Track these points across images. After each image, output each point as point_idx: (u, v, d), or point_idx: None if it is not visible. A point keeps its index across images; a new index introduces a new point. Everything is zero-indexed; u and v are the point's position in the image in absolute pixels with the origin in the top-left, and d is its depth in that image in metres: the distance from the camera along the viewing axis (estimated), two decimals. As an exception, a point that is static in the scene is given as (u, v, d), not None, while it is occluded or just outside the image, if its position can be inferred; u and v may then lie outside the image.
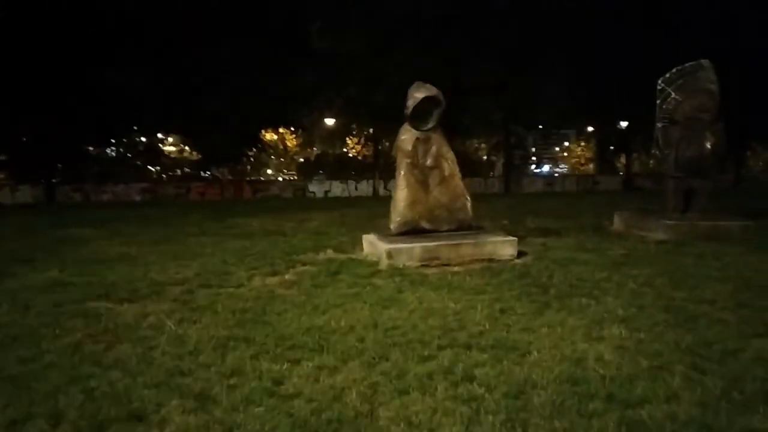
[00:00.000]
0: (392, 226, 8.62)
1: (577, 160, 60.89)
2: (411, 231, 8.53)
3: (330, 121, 36.13)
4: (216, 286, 6.71)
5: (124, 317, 5.37)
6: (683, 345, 4.40)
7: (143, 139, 32.22)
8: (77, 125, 24.88)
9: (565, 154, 71.55)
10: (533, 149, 75.51)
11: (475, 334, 4.81)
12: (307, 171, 40.09)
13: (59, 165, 27.67)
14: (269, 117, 28.21)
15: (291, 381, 3.75)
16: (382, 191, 29.32)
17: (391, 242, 8.22)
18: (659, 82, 11.02)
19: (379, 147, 31.03)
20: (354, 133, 36.51)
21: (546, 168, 76.20)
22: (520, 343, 4.52)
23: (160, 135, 34.39)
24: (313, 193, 29.49)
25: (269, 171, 47.07)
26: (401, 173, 8.60)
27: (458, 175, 8.85)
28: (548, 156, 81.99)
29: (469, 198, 8.93)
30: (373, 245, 8.57)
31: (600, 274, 7.09)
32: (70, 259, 8.60)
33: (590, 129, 42.02)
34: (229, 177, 31.41)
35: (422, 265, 7.82)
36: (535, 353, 4.28)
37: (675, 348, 4.34)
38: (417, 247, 8.01)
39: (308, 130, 37.54)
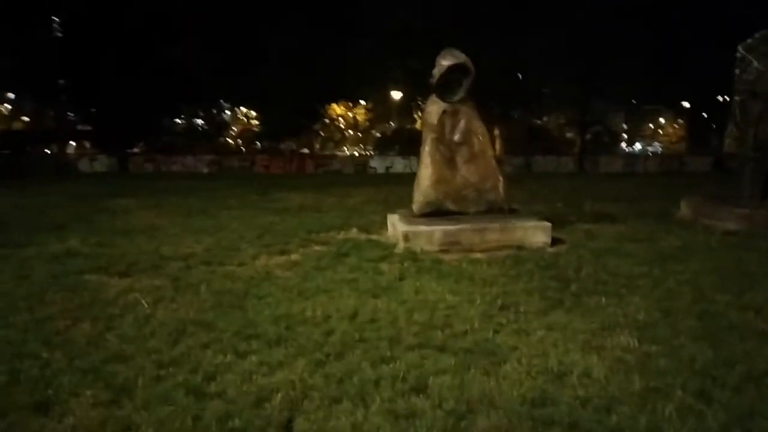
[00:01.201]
0: (414, 207, 8.09)
1: (669, 138, 56.46)
2: (435, 212, 7.96)
3: (396, 95, 35.54)
4: (217, 263, 6.54)
5: (107, 292, 5.30)
6: (698, 363, 3.63)
7: (214, 111, 33.16)
8: (148, 98, 25.95)
9: (660, 131, 66.32)
10: (624, 126, 70.71)
11: (457, 333, 4.27)
12: (383, 146, 39.63)
13: (131, 136, 28.97)
14: (327, 90, 28.05)
15: (224, 377, 3.42)
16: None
17: (410, 224, 7.71)
18: (739, 48, 9.57)
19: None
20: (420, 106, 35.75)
21: (638, 146, 71.33)
22: (502, 348, 3.94)
23: (227, 110, 35.36)
24: (374, 168, 29.12)
25: (345, 146, 47.31)
26: (426, 149, 8.01)
27: (490, 152, 8.14)
28: (641, 134, 76.49)
29: (501, 178, 8.19)
30: (394, 226, 8.09)
31: (638, 269, 6.23)
32: (98, 228, 8.81)
33: (686, 104, 38.50)
34: (293, 150, 31.70)
35: (441, 250, 7.26)
36: (514, 362, 3.69)
37: (686, 367, 3.59)
38: (437, 230, 7.44)
39: (374, 105, 37.16)
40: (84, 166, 28.41)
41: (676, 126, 51.93)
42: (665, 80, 27.69)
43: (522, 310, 4.85)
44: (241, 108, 36.59)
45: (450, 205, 8.02)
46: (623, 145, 63.83)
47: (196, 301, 5.03)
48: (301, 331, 4.25)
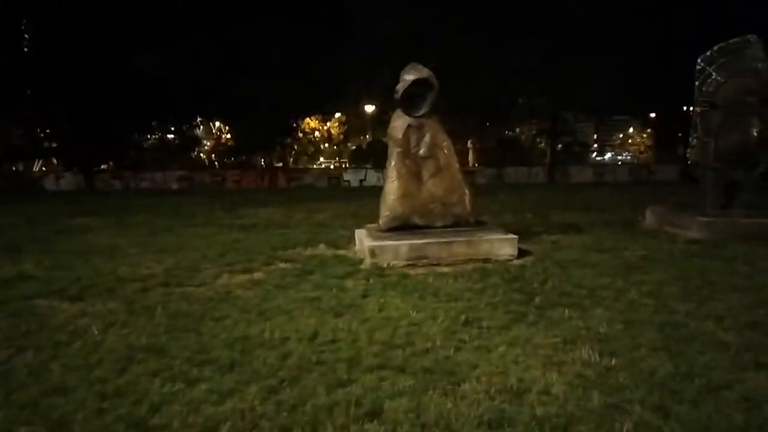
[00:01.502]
0: (381, 222, 8.01)
1: (637, 147, 57.79)
2: (402, 227, 7.88)
3: (369, 108, 35.62)
4: (175, 284, 6.34)
5: (56, 318, 5.06)
6: (658, 376, 3.61)
7: (185, 126, 32.69)
8: (113, 112, 25.50)
9: (629, 141, 67.67)
10: (595, 136, 72.01)
11: (418, 352, 4.17)
12: (358, 159, 39.40)
13: (99, 153, 28.38)
14: (303, 104, 27.99)
15: (169, 408, 3.25)
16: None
17: (376, 239, 7.62)
18: (699, 61, 9.80)
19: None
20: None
21: (608, 156, 72.72)
22: (463, 367, 3.85)
23: (199, 125, 34.94)
24: (348, 182, 29.07)
25: (321, 159, 46.99)
26: (392, 163, 7.95)
27: (455, 165, 8.10)
28: (611, 144, 78.02)
29: (467, 191, 8.17)
30: (361, 242, 7.99)
31: (602, 280, 6.25)
32: (55, 250, 8.50)
33: (652, 115, 39.37)
34: (265, 164, 31.35)
35: (408, 265, 7.20)
36: (473, 381, 3.61)
37: (645, 380, 3.56)
38: (403, 244, 7.37)
39: (348, 118, 37.17)
40: (49, 184, 27.74)
41: (644, 136, 53.17)
42: (633, 91, 28.28)
43: (485, 325, 4.78)
44: (214, 123, 36.22)
45: (417, 219, 7.97)
46: (593, 155, 65.06)
47: (150, 325, 4.84)
48: (257, 354, 4.10)
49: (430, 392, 3.45)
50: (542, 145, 39.94)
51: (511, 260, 7.41)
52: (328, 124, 43.63)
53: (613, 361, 3.90)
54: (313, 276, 6.66)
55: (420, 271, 6.97)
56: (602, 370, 3.78)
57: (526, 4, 25.59)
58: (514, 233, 9.26)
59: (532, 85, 28.35)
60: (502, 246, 7.59)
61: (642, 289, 5.81)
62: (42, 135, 30.63)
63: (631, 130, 65.00)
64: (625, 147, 66.25)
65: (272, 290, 6.01)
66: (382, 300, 5.57)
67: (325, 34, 26.28)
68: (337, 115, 41.02)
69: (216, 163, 35.47)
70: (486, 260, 7.38)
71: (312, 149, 39.05)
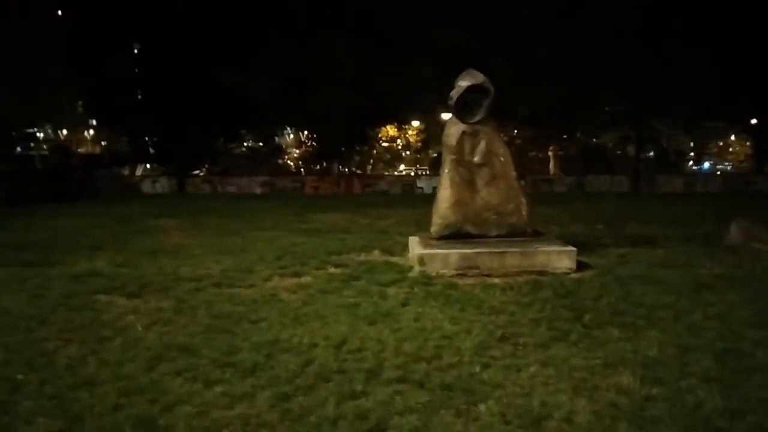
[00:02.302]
0: (433, 229, 7.86)
1: (736, 156, 53.24)
2: (454, 235, 7.69)
3: (446, 116, 35.40)
4: (227, 285, 6.56)
5: (109, 314, 5.38)
6: (703, 411, 3.23)
7: (273, 135, 34.18)
8: (202, 122, 27.20)
9: (729, 149, 62.44)
10: (692, 144, 67.28)
11: (443, 366, 4.02)
12: (436, 166, 39.18)
13: (190, 159, 30.23)
14: (375, 114, 28.37)
15: (180, 410, 3.33)
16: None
17: (426, 247, 7.50)
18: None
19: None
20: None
21: (706, 165, 67.67)
22: (486, 385, 3.66)
23: (285, 133, 36.41)
24: (422, 188, 28.94)
25: (402, 166, 47.40)
26: (445, 171, 7.79)
27: (512, 174, 7.80)
28: (708, 152, 72.48)
29: (525, 200, 7.83)
30: (412, 249, 7.90)
31: (665, 299, 5.75)
32: (130, 249, 9.09)
33: (754, 121, 36.13)
34: (341, 171, 32.02)
35: (458, 275, 7.02)
36: (492, 402, 3.41)
37: (687, 415, 3.20)
38: (453, 253, 7.19)
39: (427, 126, 37.11)
40: (146, 187, 29.89)
41: (746, 144, 48.83)
42: (727, 94, 26.08)
43: (522, 342, 4.54)
44: (302, 132, 37.62)
45: (470, 228, 7.74)
46: (690, 164, 60.64)
47: (191, 324, 5.03)
48: (281, 359, 4.13)
49: (443, 411, 3.30)
50: (629, 153, 37.84)
51: (569, 274, 7.02)
52: (409, 132, 43.82)
53: (654, 391, 3.55)
54: (359, 282, 6.64)
55: (469, 281, 6.77)
56: (639, 399, 3.45)
57: (600, 5, 24.36)
58: (579, 245, 8.82)
59: (611, 90, 26.86)
60: (559, 258, 7.20)
61: (708, 311, 5.28)
62: (143, 143, 33.19)
63: (732, 138, 59.96)
64: (723, 156, 61.26)
65: (315, 294, 6.07)
66: (420, 309, 5.45)
67: (397, 46, 26.49)
68: (416, 123, 41.10)
69: (302, 169, 36.65)
70: (541, 273, 7.04)
71: (388, 156, 39.33)
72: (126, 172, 35.34)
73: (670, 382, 3.68)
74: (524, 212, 7.78)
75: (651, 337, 4.59)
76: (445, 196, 7.73)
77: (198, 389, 3.60)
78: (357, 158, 34.23)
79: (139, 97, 30.27)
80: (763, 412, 3.22)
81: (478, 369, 3.96)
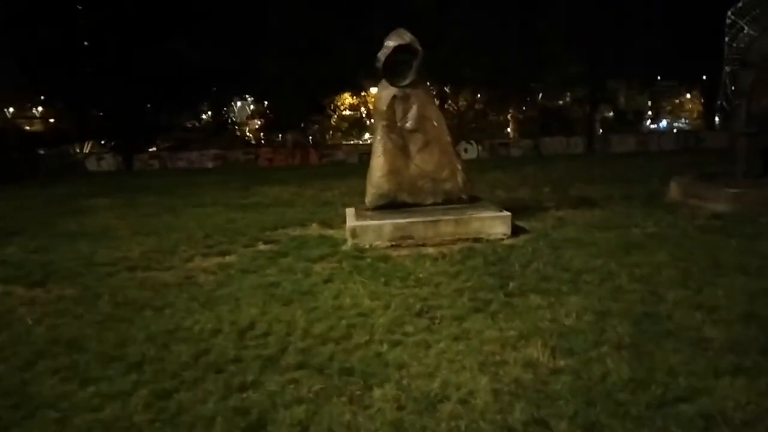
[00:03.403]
0: (367, 200, 7.57)
1: (689, 114, 54.37)
2: (389, 205, 7.43)
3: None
4: (143, 268, 6.17)
5: (2, 306, 4.94)
6: (607, 383, 3.08)
7: (221, 106, 32.97)
8: (146, 95, 26.01)
9: (684, 107, 63.57)
10: (649, 103, 68.30)
11: (349, 348, 3.78)
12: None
13: (136, 134, 28.97)
14: (330, 82, 27.52)
15: (40, 417, 2.99)
16: (450, 154, 27.73)
17: (360, 218, 7.21)
18: (728, 14, 8.71)
19: (445, 106, 29.29)
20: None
21: (663, 123, 68.98)
22: (389, 367, 3.44)
23: (234, 103, 35.20)
24: (379, 156, 28.56)
25: (367, 135, 46.62)
26: (377, 138, 7.47)
27: (446, 139, 7.53)
28: (665, 111, 73.72)
29: (460, 166, 7.60)
30: (348, 221, 7.59)
31: (594, 262, 5.63)
32: (49, 232, 8.52)
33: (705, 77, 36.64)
34: (296, 141, 31.09)
35: (391, 246, 6.77)
36: (392, 385, 3.19)
37: (590, 387, 3.04)
38: (387, 224, 6.93)
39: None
40: (91, 165, 28.58)
41: (699, 102, 49.80)
42: (679, 54, 26.25)
43: (439, 315, 4.34)
44: (248, 101, 36.37)
45: (405, 197, 7.49)
46: (648, 122, 61.65)
47: (88, 314, 4.64)
48: (174, 350, 3.81)
49: (335, 399, 3.05)
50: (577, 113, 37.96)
51: (503, 240, 6.85)
52: (371, 99, 42.99)
53: (563, 363, 3.39)
54: (286, 259, 6.34)
55: (403, 252, 6.54)
56: (545, 373, 3.27)
57: None
58: (521, 209, 8.73)
59: (568, 52, 26.75)
60: (493, 224, 7.02)
61: (635, 273, 5.18)
62: (87, 118, 31.57)
63: (688, 96, 61.10)
64: (678, 114, 62.51)
65: (235, 275, 5.74)
66: (342, 286, 5.19)
67: (349, 11, 25.58)
68: (375, 90, 40.32)
69: (261, 140, 35.55)
70: (476, 240, 6.86)
71: (346, 126, 38.55)
72: (78, 150, 33.71)
73: (581, 352, 3.53)
74: (459, 178, 7.55)
75: (572, 304, 4.44)
76: (378, 164, 7.43)
77: (71, 390, 3.26)
78: (316, 128, 33.36)
79: (81, 68, 28.64)
80: (670, 381, 3.08)
81: (385, 348, 3.73)
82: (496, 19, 25.03)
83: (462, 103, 36.46)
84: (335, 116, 34.74)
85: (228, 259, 6.51)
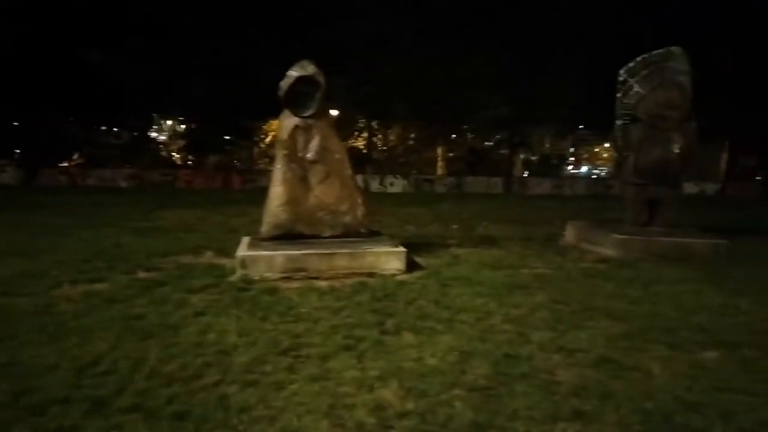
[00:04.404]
0: (263, 229, 7.37)
1: (604, 161, 58.24)
2: (286, 235, 7.24)
3: (334, 112, 34.98)
4: (1, 293, 5.61)
5: None
6: (447, 429, 3.03)
7: (140, 124, 31.69)
8: (58, 108, 24.58)
9: (604, 155, 67.70)
10: (572, 149, 72.38)
11: (195, 389, 3.54)
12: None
13: (43, 148, 27.25)
14: (259, 106, 27.26)
15: None
16: (375, 186, 28.02)
17: (252, 248, 6.98)
18: (621, 72, 9.36)
19: (373, 138, 29.70)
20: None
21: (584, 169, 73.07)
22: (229, 411, 3.23)
23: (157, 123, 34.02)
24: (304, 185, 28.29)
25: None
26: (277, 167, 7.32)
27: (348, 172, 7.49)
28: (585, 158, 78.30)
29: (361, 199, 7.57)
30: (239, 250, 7.33)
31: (476, 301, 5.69)
32: None
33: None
34: (218, 164, 30.26)
35: (283, 278, 6.56)
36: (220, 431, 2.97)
37: (426, 436, 2.97)
38: (279, 255, 6.73)
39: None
40: (-10, 177, 26.53)
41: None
42: (593, 106, 28.09)
43: (305, 353, 4.17)
44: (169, 122, 35.26)
45: (303, 228, 7.34)
46: (570, 167, 65.30)
47: None
48: (-3, 387, 3.42)
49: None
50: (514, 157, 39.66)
51: (396, 275, 6.82)
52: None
53: (412, 405, 3.31)
54: (163, 288, 5.97)
55: (293, 285, 6.35)
56: (392, 416, 3.18)
57: (492, 19, 25.30)
58: (424, 245, 8.82)
59: (495, 97, 28.05)
60: (388, 259, 6.99)
61: (510, 314, 5.26)
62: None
63: (606, 144, 65.23)
64: (595, 161, 66.79)
65: (99, 305, 5.31)
66: (214, 320, 4.92)
67: (283, 38, 25.60)
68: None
69: (189, 162, 34.30)
70: (370, 274, 6.79)
71: (274, 152, 38.19)
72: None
73: (433, 394, 3.48)
74: (359, 212, 7.51)
75: (442, 343, 4.42)
76: (276, 193, 7.26)
77: None
78: (236, 152, 32.71)
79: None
80: (506, 426, 3.08)
81: (234, 389, 3.52)
82: (427, 60, 25.91)
83: (392, 138, 37.20)
84: (264, 142, 34.23)
85: (98, 286, 6.05)
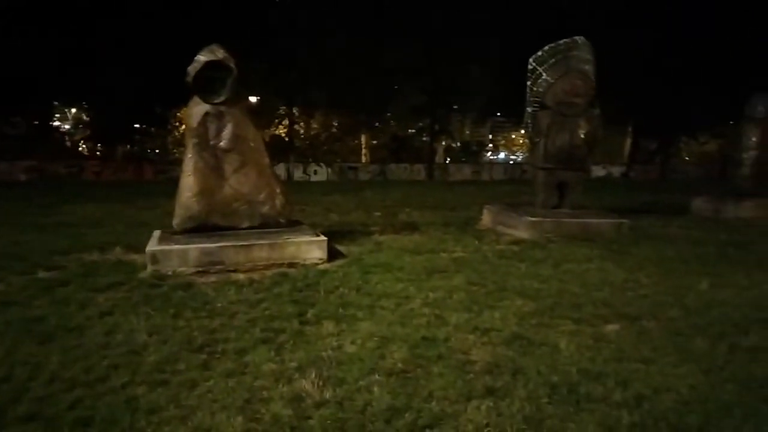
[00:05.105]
0: (175, 222, 7.05)
1: (519, 147, 60.70)
2: (201, 227, 6.98)
3: (252, 99, 34.01)
4: None
5: None
6: (366, 415, 3.06)
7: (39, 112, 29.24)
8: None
9: (521, 141, 70.40)
10: (490, 136, 74.73)
11: (98, 393, 3.34)
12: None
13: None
14: (170, 92, 25.97)
15: None
16: (299, 175, 27.63)
17: (163, 242, 6.67)
18: (530, 61, 9.74)
19: (295, 127, 29.26)
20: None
21: (502, 155, 75.64)
22: (137, 413, 3.07)
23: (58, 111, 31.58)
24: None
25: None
26: (188, 156, 7.00)
27: (265, 161, 7.31)
28: (503, 144, 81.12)
29: (279, 188, 7.42)
30: (150, 245, 6.97)
31: (396, 287, 5.75)
32: None
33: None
34: (128, 154, 28.52)
35: (197, 272, 6.32)
36: (132, 434, 2.83)
37: (346, 421, 2.99)
38: (193, 248, 6.47)
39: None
40: None
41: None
42: (506, 94, 29.15)
43: (220, 349, 4.05)
44: (73, 110, 32.77)
45: (218, 220, 7.09)
46: (489, 154, 67.38)
47: None
48: None
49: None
50: (426, 142, 40.30)
51: (318, 264, 6.77)
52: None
53: (329, 394, 3.30)
54: (66, 288, 5.58)
55: (210, 279, 6.13)
56: (310, 406, 3.16)
57: (405, 9, 25.46)
58: (346, 233, 8.80)
59: (411, 85, 28.37)
60: (309, 249, 6.91)
61: (429, 297, 5.37)
62: None
63: (522, 131, 67.79)
64: (510, 147, 69.36)
65: (-10, 309, 4.88)
66: (122, 319, 4.66)
67: (199, 24, 24.47)
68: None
69: (98, 152, 31.99)
70: (291, 265, 6.69)
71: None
72: None
73: (351, 381, 3.48)
74: (278, 201, 7.35)
75: (362, 330, 4.44)
76: (187, 184, 6.95)
77: None
78: (147, 140, 31.03)
79: None
80: (422, 408, 3.14)
81: (144, 390, 3.36)
82: (346, 49, 25.75)
83: (315, 126, 36.72)
84: (179, 130, 32.66)
85: (-8, 289, 5.57)
